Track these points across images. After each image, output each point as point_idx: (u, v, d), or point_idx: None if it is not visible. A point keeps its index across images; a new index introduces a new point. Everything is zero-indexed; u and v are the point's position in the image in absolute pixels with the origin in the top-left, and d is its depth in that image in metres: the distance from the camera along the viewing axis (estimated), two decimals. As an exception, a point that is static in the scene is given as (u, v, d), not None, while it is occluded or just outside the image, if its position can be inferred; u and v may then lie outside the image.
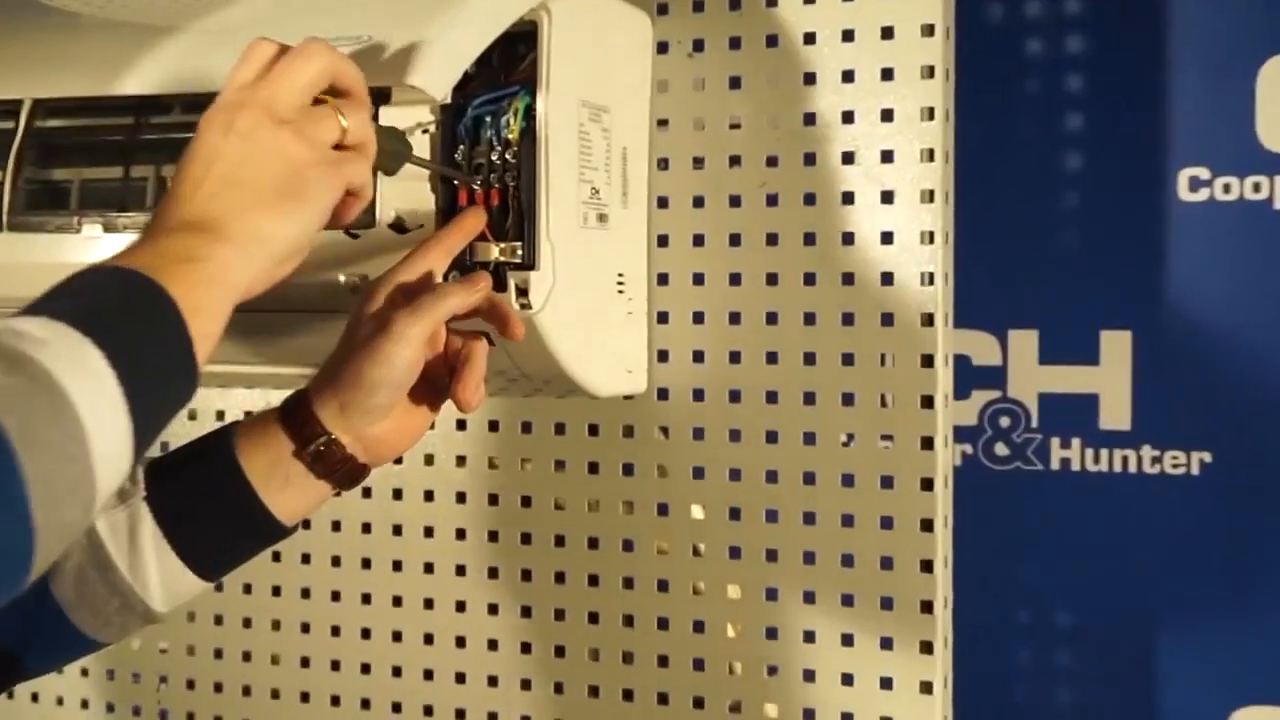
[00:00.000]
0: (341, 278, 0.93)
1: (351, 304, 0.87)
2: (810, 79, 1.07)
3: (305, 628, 1.27)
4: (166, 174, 0.95)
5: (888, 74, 1.05)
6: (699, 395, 1.11)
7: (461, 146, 0.93)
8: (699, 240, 1.10)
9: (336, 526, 1.25)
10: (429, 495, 1.22)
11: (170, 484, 0.83)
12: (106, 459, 0.61)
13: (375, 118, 0.90)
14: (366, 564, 1.25)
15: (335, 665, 1.26)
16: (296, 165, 0.73)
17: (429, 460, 1.21)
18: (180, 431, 1.29)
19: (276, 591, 1.28)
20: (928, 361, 1.04)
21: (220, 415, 1.29)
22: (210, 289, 0.68)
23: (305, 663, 1.27)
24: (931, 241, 1.04)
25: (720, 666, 1.13)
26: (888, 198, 1.05)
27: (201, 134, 0.73)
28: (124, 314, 0.64)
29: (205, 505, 0.83)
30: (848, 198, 1.06)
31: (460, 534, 1.21)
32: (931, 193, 1.04)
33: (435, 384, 0.86)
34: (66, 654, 0.86)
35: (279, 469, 0.82)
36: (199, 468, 0.83)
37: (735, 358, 1.10)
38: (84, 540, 0.81)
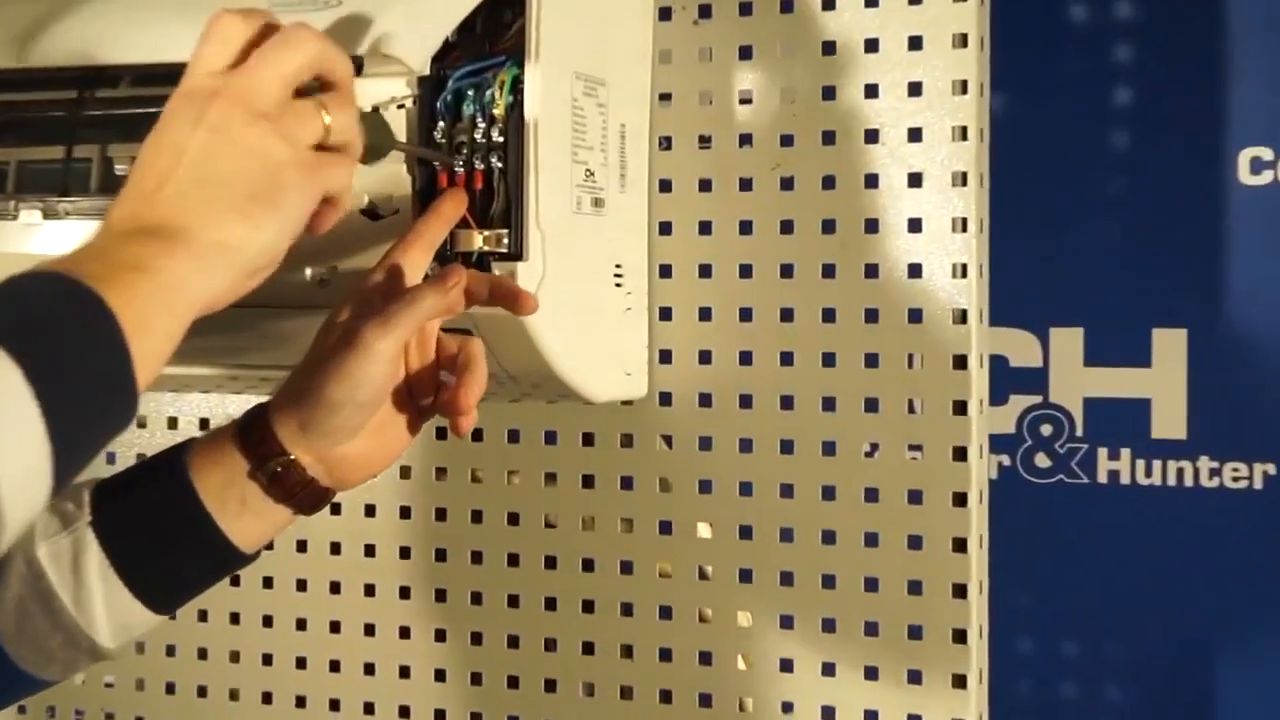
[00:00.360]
0: (308, 271, 0.93)
1: (318, 299, 0.86)
2: (829, 48, 1.07)
3: (267, 659, 1.27)
4: (113, 154, 0.95)
5: (915, 43, 1.05)
6: (705, 400, 1.11)
7: (441, 123, 0.93)
8: (705, 228, 1.10)
9: (302, 547, 1.25)
10: (405, 512, 1.22)
11: (118, 507, 0.82)
12: (17, 486, 0.60)
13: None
14: (335, 589, 1.24)
15: (300, 702, 1.26)
16: (273, 166, 0.72)
17: (404, 473, 1.21)
18: (130, 440, 1.30)
19: (235, 619, 1.27)
20: (960, 363, 1.04)
21: (172, 423, 1.29)
22: (161, 303, 0.67)
23: (267, 699, 1.27)
24: (964, 229, 1.04)
25: (729, 702, 1.13)
26: (915, 180, 1.05)
27: (166, 124, 0.72)
28: (52, 326, 0.63)
29: (156, 530, 0.82)
30: (871, 180, 1.06)
31: (440, 555, 1.21)
32: (964, 175, 1.04)
33: (419, 395, 0.86)
34: (6, 694, 0.85)
35: (234, 491, 0.82)
36: (149, 489, 0.83)
37: (746, 359, 1.10)
38: (24, 569, 0.81)
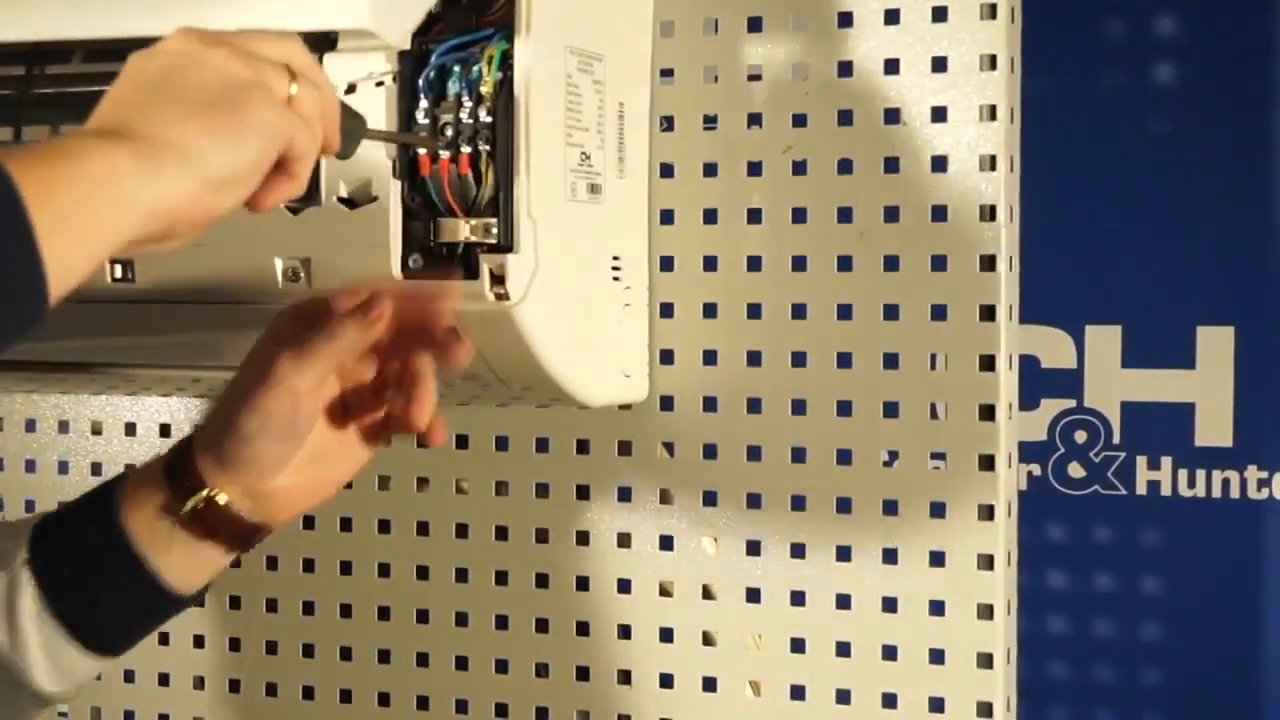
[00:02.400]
0: (278, 262, 0.93)
1: (288, 294, 0.87)
2: (846, 19, 1.07)
3: (234, 686, 1.27)
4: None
5: (940, 14, 1.05)
6: (710, 404, 1.11)
7: (424, 103, 0.93)
8: (710, 216, 1.10)
9: (273, 564, 1.25)
10: (384, 526, 1.22)
11: (51, 545, 0.83)
12: None
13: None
14: (309, 609, 1.24)
15: (270, 731, 1.26)
16: (234, 80, 0.70)
17: (383, 484, 1.21)
18: (86, 448, 1.30)
19: (199, 643, 1.28)
20: (988, 364, 1.04)
21: (130, 429, 1.29)
22: (89, 195, 0.64)
23: (234, 728, 1.28)
24: (993, 218, 1.04)
25: (736, 733, 1.13)
26: (939, 164, 1.05)
27: (127, 63, 0.72)
28: None
29: (87, 571, 0.83)
30: (891, 165, 1.06)
31: (422, 573, 1.21)
32: (993, 159, 1.04)
33: (362, 418, 0.85)
34: None
35: (163, 527, 0.82)
36: (80, 526, 0.84)
37: (754, 359, 1.10)
38: None
